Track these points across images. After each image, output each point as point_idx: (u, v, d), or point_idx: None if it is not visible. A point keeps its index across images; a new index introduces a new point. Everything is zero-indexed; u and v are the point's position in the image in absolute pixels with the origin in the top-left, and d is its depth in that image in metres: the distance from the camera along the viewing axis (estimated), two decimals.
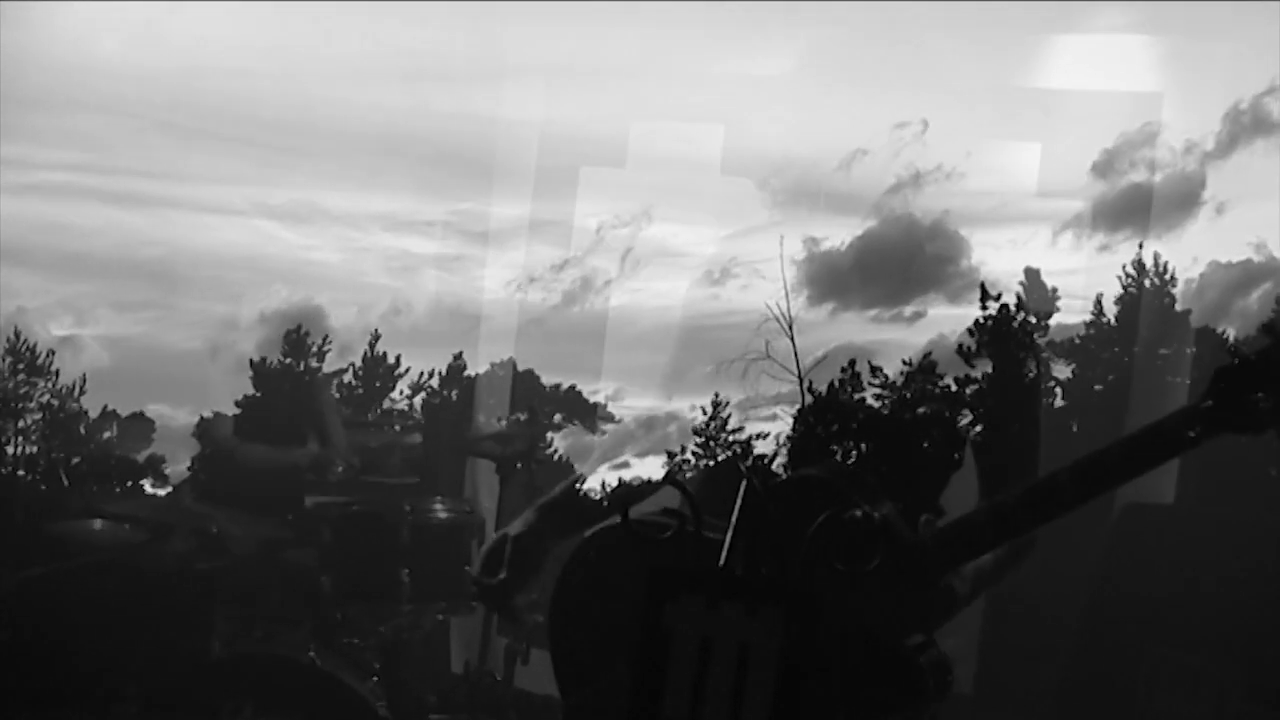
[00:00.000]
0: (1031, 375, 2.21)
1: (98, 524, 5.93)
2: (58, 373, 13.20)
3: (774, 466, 2.58)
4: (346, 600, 5.15)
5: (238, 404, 10.03)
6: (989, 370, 2.50)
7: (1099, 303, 13.27)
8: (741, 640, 1.73)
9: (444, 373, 14.70)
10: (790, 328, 2.59)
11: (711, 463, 2.80)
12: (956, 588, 2.30)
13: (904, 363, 2.46)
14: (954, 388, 2.45)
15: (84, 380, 13.28)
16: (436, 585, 5.26)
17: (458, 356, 14.41)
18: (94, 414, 12.85)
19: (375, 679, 5.08)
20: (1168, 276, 13.86)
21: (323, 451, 5.81)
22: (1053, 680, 5.59)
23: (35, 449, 12.56)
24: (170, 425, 10.31)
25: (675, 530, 2.07)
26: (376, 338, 14.79)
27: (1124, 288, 13.77)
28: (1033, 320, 2.48)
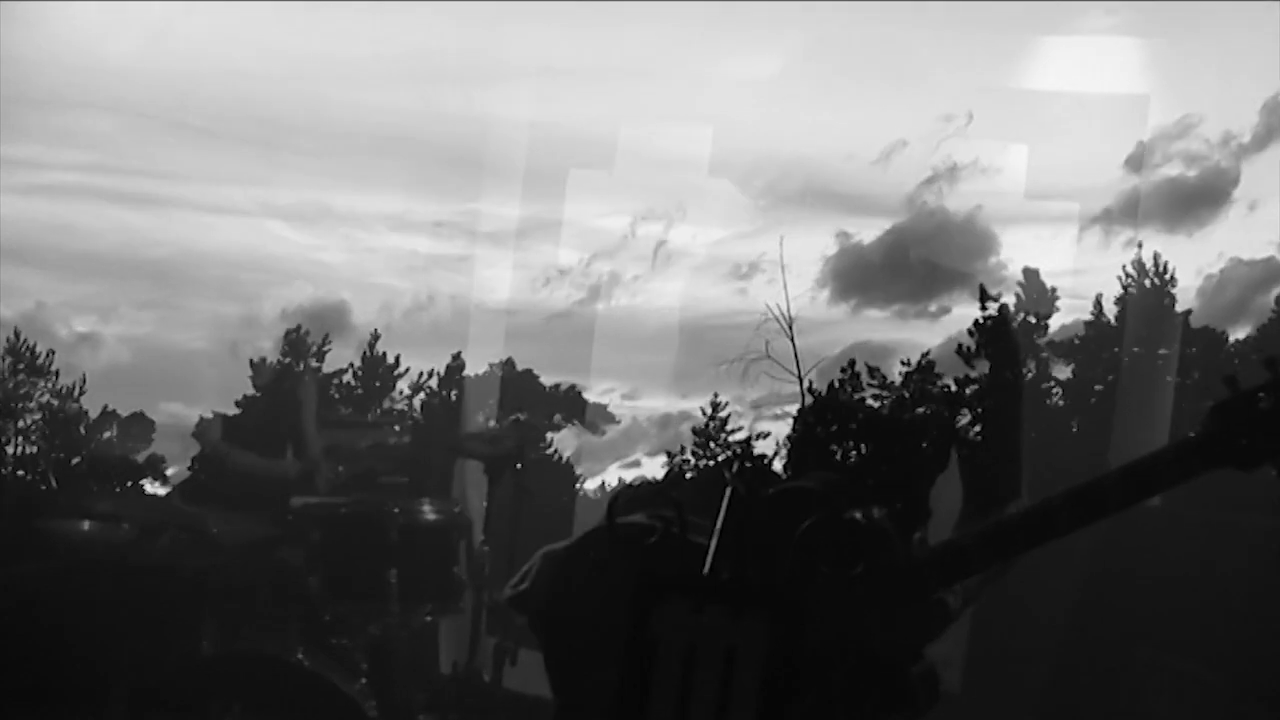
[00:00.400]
0: (1026, 376, 2.23)
1: (86, 524, 5.92)
2: (58, 373, 13.20)
3: (774, 467, 2.60)
4: (335, 600, 5.15)
5: (237, 404, 10.03)
6: (987, 371, 2.52)
7: (1098, 303, 13.30)
8: (727, 644, 1.74)
9: (442, 373, 14.73)
10: (790, 328, 2.61)
11: (711, 463, 2.83)
12: (950, 603, 2.31)
13: (903, 363, 2.48)
14: (953, 388, 2.47)
15: (84, 380, 13.29)
16: (425, 586, 5.26)
17: (456, 356, 14.44)
18: (112, 412, 12.85)
19: (364, 679, 5.08)
20: (1168, 276, 13.91)
21: (303, 464, 5.81)
22: (1040, 682, 5.61)
23: (35, 449, 12.57)
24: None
25: (661, 534, 2.08)
26: (376, 338, 14.82)
27: (1124, 288, 13.80)
28: (1032, 320, 2.51)
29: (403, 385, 14.20)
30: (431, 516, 5.38)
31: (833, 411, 2.52)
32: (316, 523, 5.20)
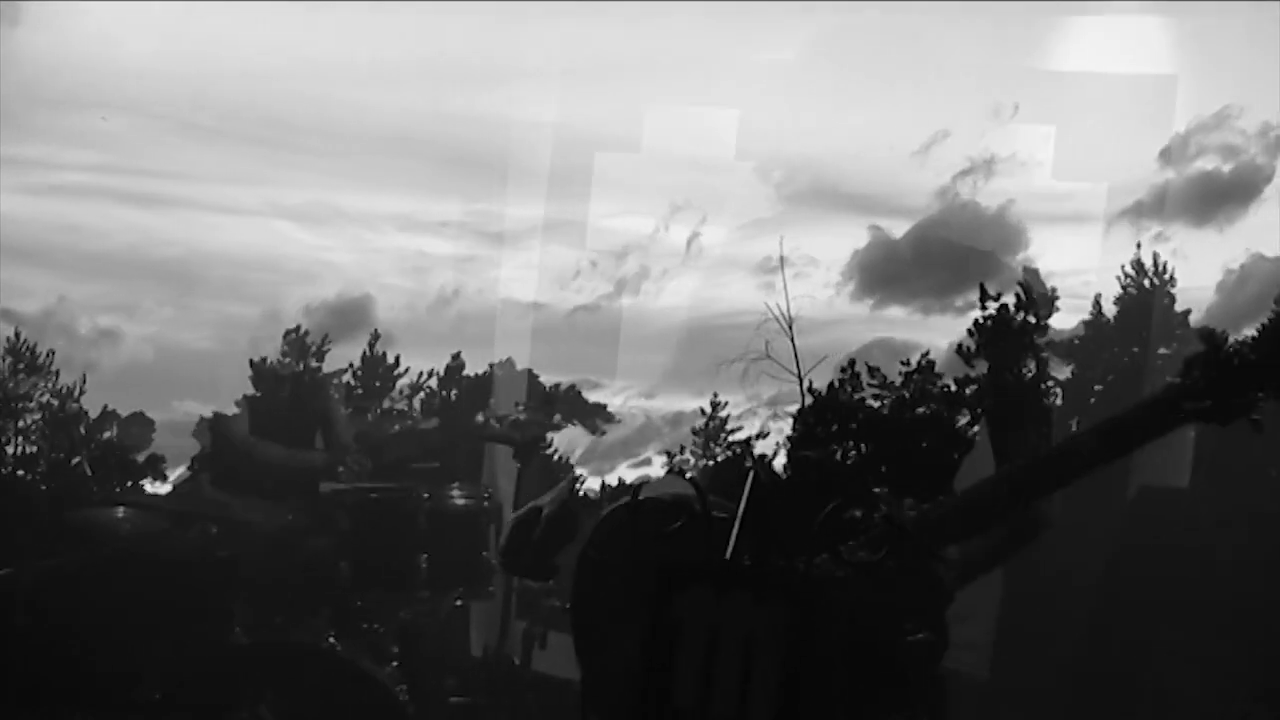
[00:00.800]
0: (1026, 376, 2.22)
1: (119, 512, 5.97)
2: (58, 373, 13.25)
3: (774, 467, 2.60)
4: (365, 587, 5.18)
5: (237, 404, 10.04)
6: (986, 371, 2.52)
7: (1098, 302, 13.21)
8: (749, 629, 1.75)
9: (442, 373, 14.74)
10: (790, 328, 2.61)
11: (711, 462, 2.85)
12: (942, 575, 2.32)
13: (902, 363, 2.48)
14: (953, 387, 2.47)
15: (84, 380, 13.33)
16: (455, 571, 5.29)
17: (456, 357, 14.45)
18: (112, 411, 12.89)
19: (394, 664, 5.12)
20: (1167, 276, 13.81)
21: (331, 454, 5.83)
22: (1066, 665, 5.59)
23: (35, 449, 12.63)
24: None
25: (685, 520, 2.09)
26: (376, 338, 14.84)
27: (1123, 288, 13.71)
28: (1032, 320, 2.51)
29: (402, 384, 14.26)
30: (460, 502, 5.40)
31: (833, 411, 2.53)
32: (346, 510, 5.22)
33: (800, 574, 1.82)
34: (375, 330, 14.29)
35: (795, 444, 2.56)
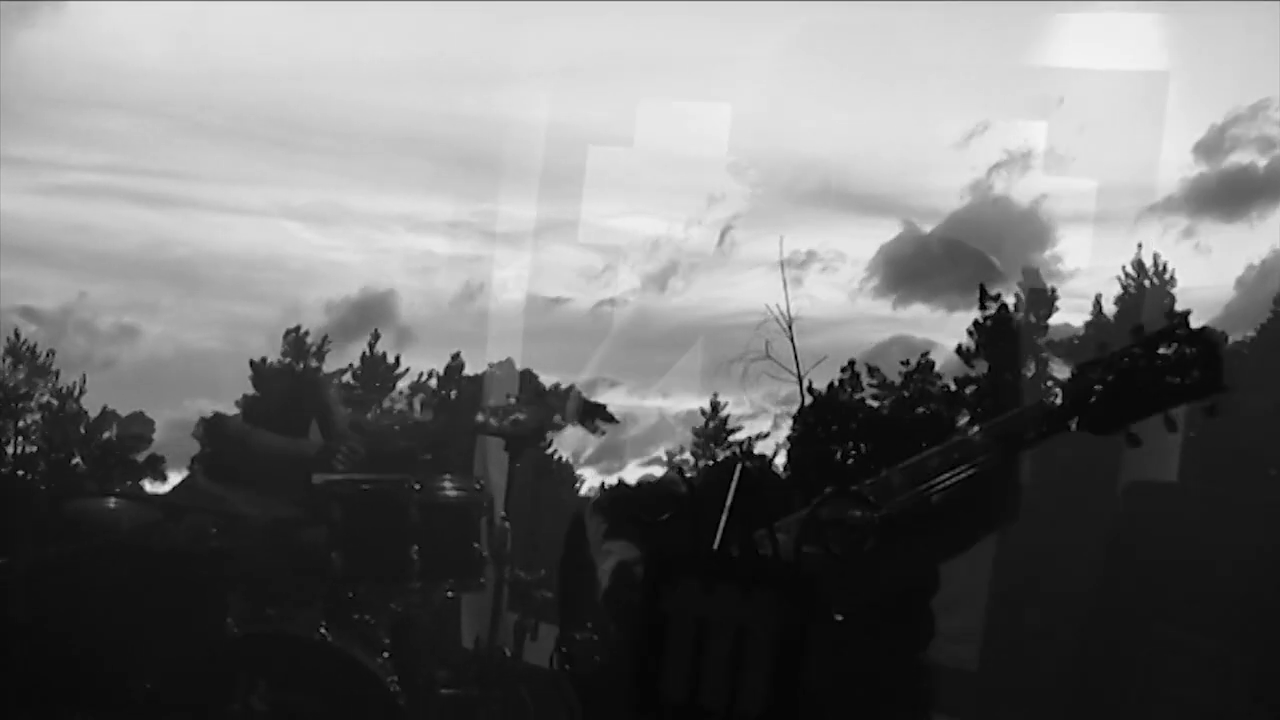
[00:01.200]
0: (1026, 375, 2.26)
1: (112, 503, 5.98)
2: (58, 373, 13.23)
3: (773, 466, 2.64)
4: (357, 578, 5.18)
5: (237, 403, 10.02)
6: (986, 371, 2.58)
7: (1098, 302, 13.19)
8: (738, 621, 1.76)
9: (442, 373, 14.73)
10: (790, 328, 2.63)
11: (711, 462, 2.87)
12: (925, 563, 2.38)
13: (903, 363, 2.52)
14: (953, 387, 2.52)
15: (84, 380, 13.32)
16: (446, 562, 5.29)
17: (456, 357, 14.44)
18: (112, 411, 12.88)
19: (386, 655, 5.12)
20: (1168, 276, 13.80)
21: (327, 443, 5.83)
22: (1058, 658, 5.62)
23: (35, 449, 12.62)
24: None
25: (673, 513, 2.10)
26: (376, 338, 14.82)
27: (1124, 288, 13.69)
28: (1032, 320, 2.55)
29: (402, 385, 14.24)
30: (452, 493, 5.40)
31: (833, 411, 2.55)
32: (338, 500, 5.23)
33: (789, 565, 1.83)
34: (375, 330, 14.31)
35: (795, 444, 2.58)
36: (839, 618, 2.29)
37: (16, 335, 13.17)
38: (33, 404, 12.99)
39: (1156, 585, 5.18)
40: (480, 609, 5.74)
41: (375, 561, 5.19)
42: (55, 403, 13.01)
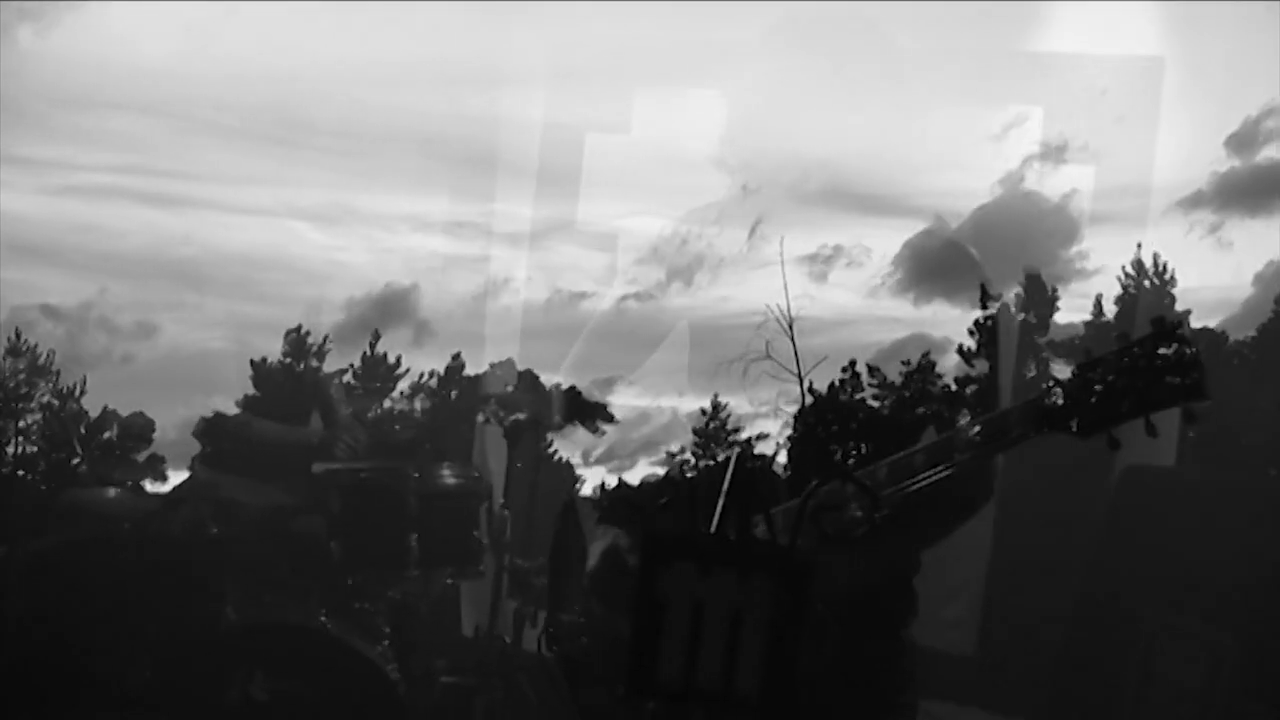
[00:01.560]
0: (1026, 375, 2.29)
1: (110, 492, 5.99)
2: (58, 373, 13.21)
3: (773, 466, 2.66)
4: (356, 566, 5.19)
5: (238, 403, 10.01)
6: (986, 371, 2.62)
7: (1098, 302, 13.16)
8: (734, 604, 1.77)
9: (442, 373, 14.71)
10: (790, 328, 2.67)
11: (711, 462, 2.91)
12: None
13: (903, 363, 2.56)
14: (953, 387, 2.56)
15: (84, 380, 13.29)
16: (445, 550, 5.29)
17: (456, 357, 14.42)
18: (112, 411, 12.86)
19: (386, 643, 5.14)
20: (1168, 276, 13.76)
21: (327, 431, 5.84)
22: (1053, 643, 5.63)
23: (36, 449, 12.60)
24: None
25: (671, 498, 2.12)
26: (376, 337, 14.80)
27: (1124, 288, 13.66)
28: (1033, 320, 2.59)
29: (403, 385, 14.23)
30: (451, 481, 5.41)
31: (833, 411, 2.57)
32: (337, 489, 5.23)
33: (785, 549, 1.85)
34: (376, 330, 14.28)
35: (795, 444, 2.61)
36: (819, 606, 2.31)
37: (17, 335, 13.15)
38: (33, 404, 12.97)
39: (1152, 571, 5.19)
40: (479, 597, 5.75)
41: (374, 550, 5.20)
42: (56, 403, 12.99)
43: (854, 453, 2.53)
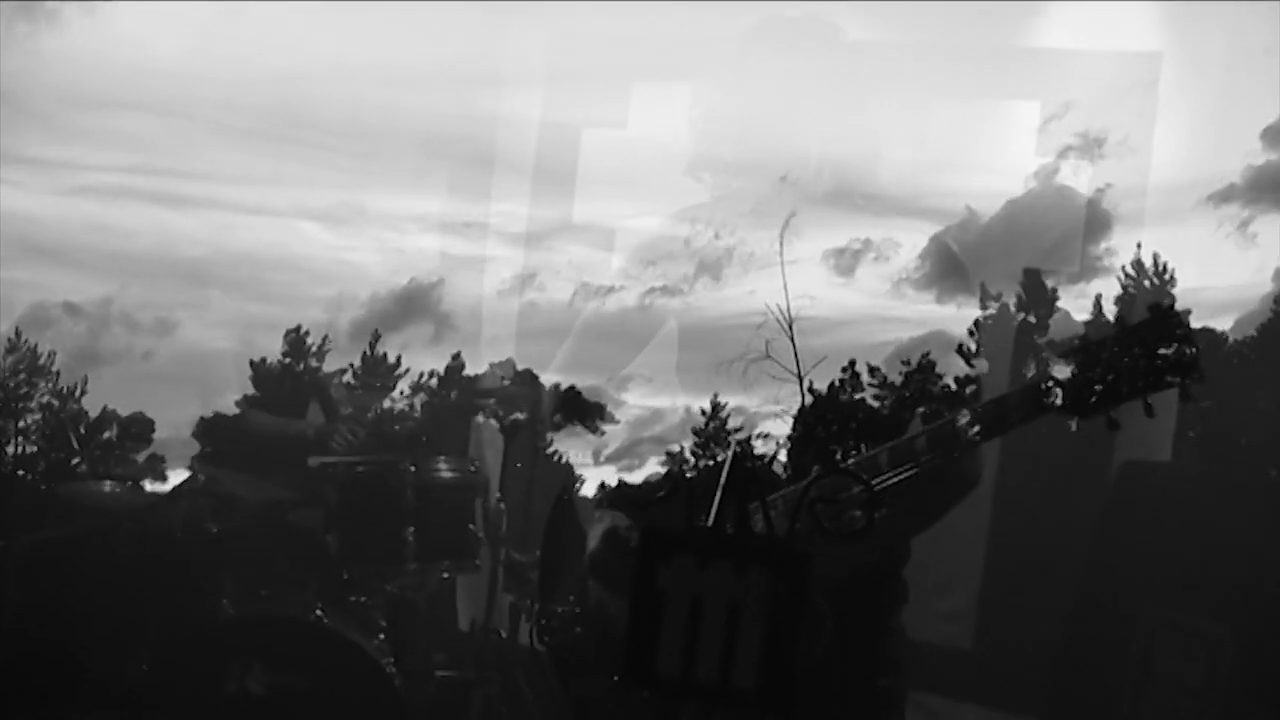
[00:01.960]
0: (1025, 375, 2.29)
1: (107, 486, 5.98)
2: (58, 373, 13.19)
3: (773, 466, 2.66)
4: (352, 560, 5.18)
5: (237, 403, 9.99)
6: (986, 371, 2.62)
7: (1098, 303, 13.14)
8: (732, 597, 1.77)
9: (442, 373, 14.70)
10: (790, 328, 2.67)
11: (711, 462, 2.92)
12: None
13: (903, 363, 2.56)
14: (953, 387, 2.56)
15: (85, 380, 13.27)
16: (442, 544, 5.29)
17: (456, 357, 14.40)
18: (112, 411, 12.83)
19: (382, 637, 5.13)
20: (1168, 276, 13.76)
21: (326, 424, 5.83)
22: (1050, 639, 5.62)
23: (36, 449, 12.58)
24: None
25: (669, 490, 2.12)
26: (376, 338, 14.79)
27: (1124, 288, 13.66)
28: (1032, 320, 2.61)
29: (403, 385, 14.21)
30: (447, 475, 5.40)
31: (833, 411, 2.58)
32: (333, 482, 5.23)
33: (783, 542, 1.84)
34: (376, 330, 14.27)
35: (795, 444, 2.61)
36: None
37: (17, 334, 13.12)
38: (33, 404, 12.95)
39: (1150, 566, 5.19)
40: (476, 591, 5.74)
41: (370, 543, 5.19)
42: (56, 403, 12.97)
43: (854, 452, 2.53)
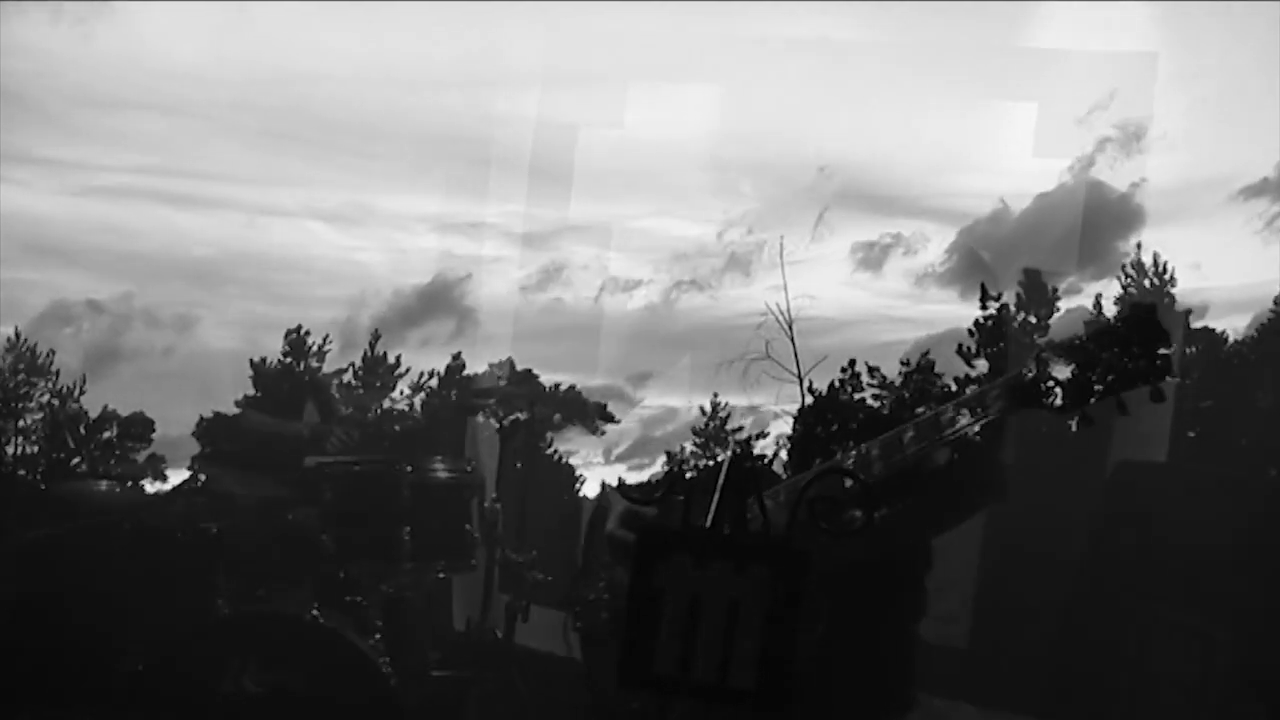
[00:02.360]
0: (1026, 375, 2.29)
1: (104, 484, 5.98)
2: (58, 373, 13.20)
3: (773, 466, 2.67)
4: (348, 559, 5.18)
5: (238, 403, 10.01)
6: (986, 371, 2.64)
7: (1098, 302, 13.16)
8: (730, 597, 1.76)
9: (442, 373, 14.74)
10: (790, 328, 2.67)
11: (710, 462, 2.93)
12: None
13: (903, 363, 2.58)
14: (953, 387, 2.57)
15: (84, 380, 13.28)
16: (437, 543, 5.29)
17: (456, 357, 14.45)
18: (112, 411, 12.85)
19: (378, 636, 5.13)
20: (1168, 276, 13.79)
21: (321, 424, 5.83)
22: (1047, 638, 5.63)
23: (36, 449, 12.60)
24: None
25: (666, 490, 2.12)
26: (376, 337, 14.83)
27: (1123, 288, 13.67)
28: (1033, 320, 2.63)
29: (403, 385, 14.25)
30: (443, 475, 5.40)
31: (833, 411, 2.58)
32: (329, 482, 5.23)
33: (780, 541, 1.84)
34: (375, 330, 14.32)
35: (795, 444, 2.61)
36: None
37: (17, 334, 13.14)
38: (33, 404, 12.97)
39: (1146, 565, 5.20)
40: (471, 590, 5.75)
41: (366, 543, 5.19)
42: (56, 403, 12.98)
43: (854, 453, 2.53)
